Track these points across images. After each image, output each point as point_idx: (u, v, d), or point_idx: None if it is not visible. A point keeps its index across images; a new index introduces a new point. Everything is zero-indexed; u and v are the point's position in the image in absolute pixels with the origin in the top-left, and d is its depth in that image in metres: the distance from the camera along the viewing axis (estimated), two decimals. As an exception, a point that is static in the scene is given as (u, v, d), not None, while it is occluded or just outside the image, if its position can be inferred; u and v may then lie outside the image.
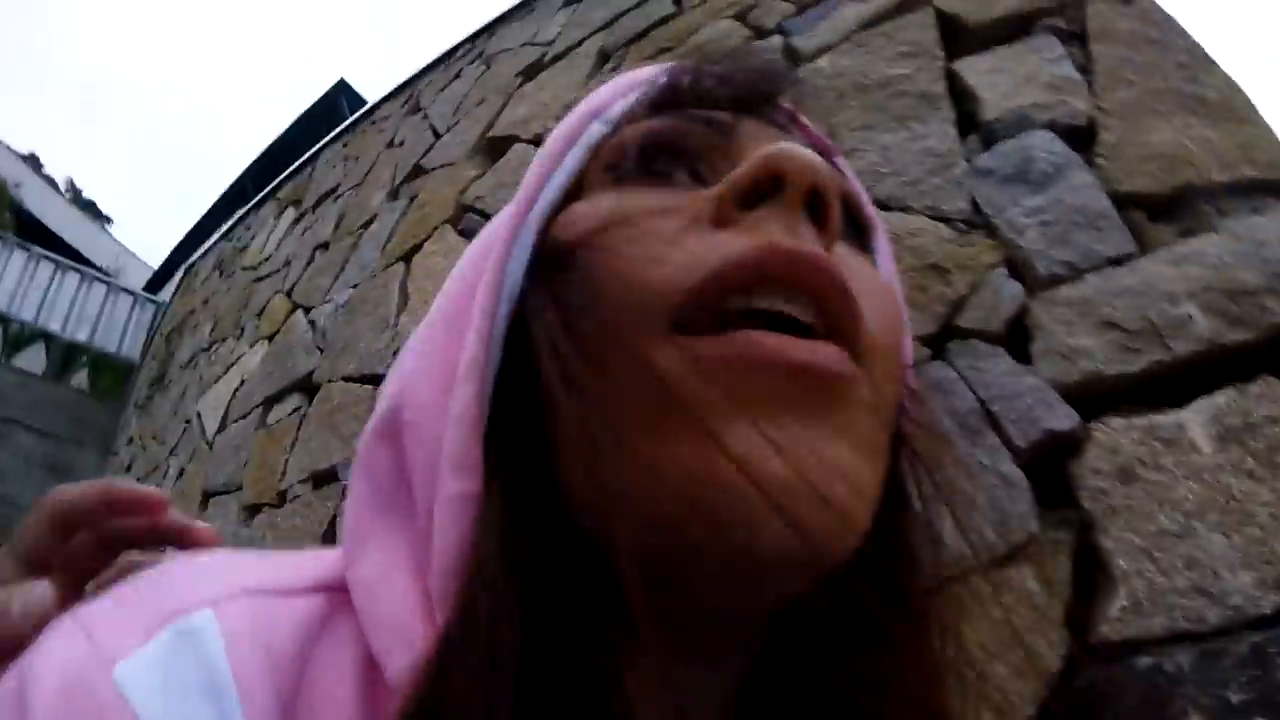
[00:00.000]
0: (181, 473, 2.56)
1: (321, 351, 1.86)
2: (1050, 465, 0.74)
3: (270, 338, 2.26)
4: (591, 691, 0.16)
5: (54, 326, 4.24)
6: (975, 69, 0.99)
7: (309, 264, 2.37)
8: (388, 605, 0.18)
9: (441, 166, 1.85)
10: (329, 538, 1.43)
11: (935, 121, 0.94)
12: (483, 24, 2.30)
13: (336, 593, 0.19)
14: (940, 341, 0.81)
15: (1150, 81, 0.88)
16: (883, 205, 0.90)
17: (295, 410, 1.84)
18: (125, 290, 4.79)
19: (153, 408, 3.51)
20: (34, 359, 4.23)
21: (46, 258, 4.36)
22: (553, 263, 0.20)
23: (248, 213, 3.54)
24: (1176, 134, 0.84)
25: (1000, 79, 0.96)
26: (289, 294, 2.35)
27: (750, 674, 0.20)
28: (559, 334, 0.18)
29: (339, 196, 2.54)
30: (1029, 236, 0.82)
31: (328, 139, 2.99)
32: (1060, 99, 0.90)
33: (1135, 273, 0.78)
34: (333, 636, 0.18)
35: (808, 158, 0.18)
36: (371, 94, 3.67)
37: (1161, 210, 0.83)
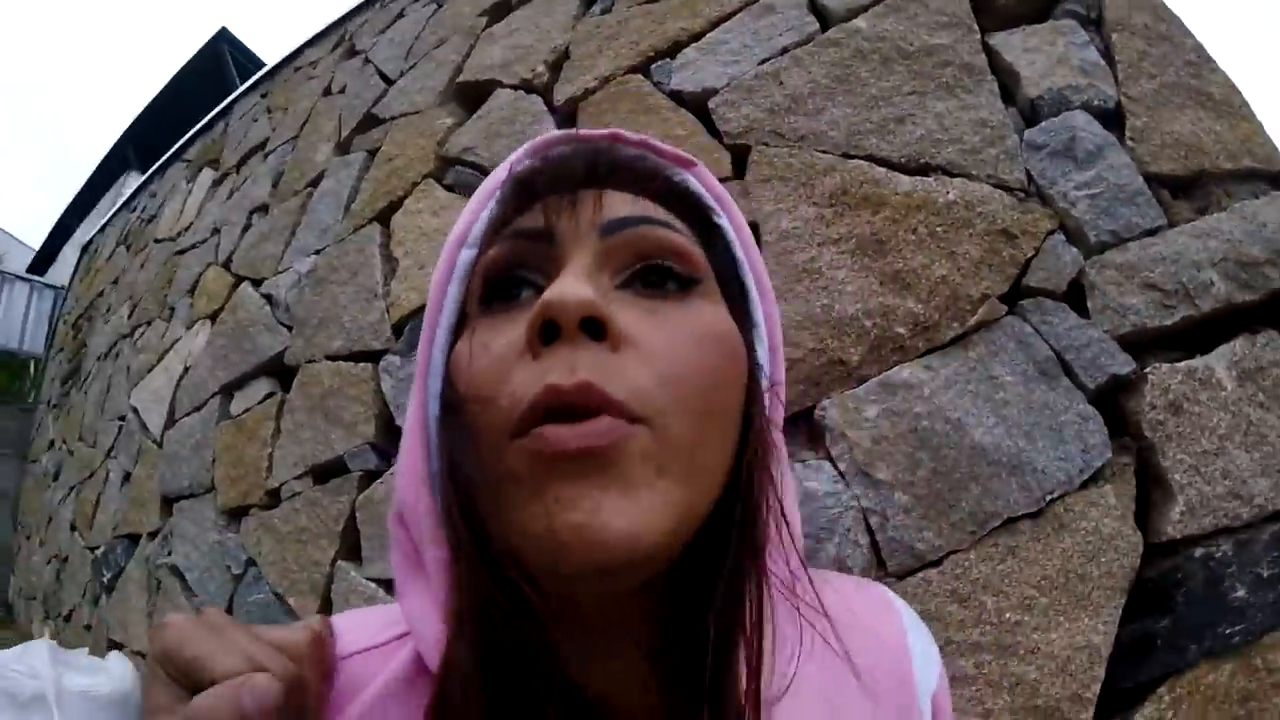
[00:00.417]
0: (127, 477, 2.27)
1: (290, 329, 1.66)
2: (1112, 402, 0.88)
3: (213, 317, 2.02)
4: (544, 667, 0.27)
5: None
6: (1011, 45, 1.09)
7: (245, 230, 2.13)
8: (425, 631, 0.29)
9: (403, 115, 1.69)
10: (348, 535, 1.32)
11: (982, 93, 1.04)
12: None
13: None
14: (1012, 298, 0.92)
15: (1165, 75, 1.03)
16: (946, 171, 0.99)
17: (268, 397, 1.65)
18: (19, 277, 4.08)
19: (70, 406, 3.06)
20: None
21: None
22: (452, 403, 0.30)
23: (150, 178, 3.11)
24: (1191, 125, 1.00)
25: (1036, 58, 1.07)
26: (226, 266, 2.10)
27: (663, 619, 0.29)
28: (459, 452, 0.29)
29: (270, 152, 2.28)
30: (1080, 208, 0.95)
31: (242, 89, 2.68)
32: (1090, 82, 1.03)
33: (1166, 243, 0.93)
34: (405, 667, 0.31)
35: (570, 298, 0.26)
36: (255, 42, 3.34)
37: (1181, 190, 0.98)
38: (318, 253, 1.66)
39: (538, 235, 0.30)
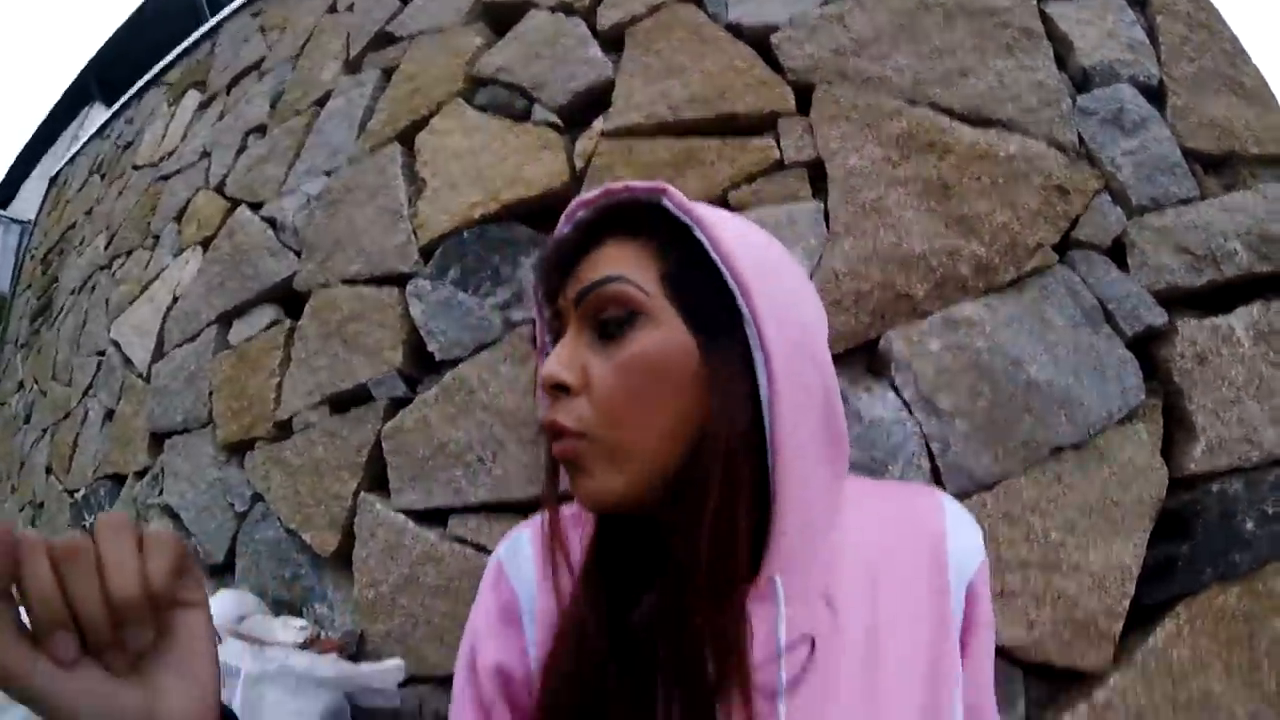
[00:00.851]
0: (110, 414, 2.10)
1: (298, 253, 1.56)
2: (1145, 350, 0.95)
3: (204, 243, 1.88)
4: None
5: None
6: (1065, 15, 1.13)
7: (240, 152, 1.99)
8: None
9: (423, 33, 1.59)
10: (372, 466, 1.27)
11: (1039, 57, 1.08)
12: None
13: None
14: (1063, 249, 0.97)
15: (1203, 60, 1.10)
16: (1006, 127, 1.02)
17: (273, 324, 1.56)
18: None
19: (41, 344, 2.81)
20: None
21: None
22: None
23: (126, 104, 2.88)
24: (1225, 110, 1.07)
25: (1088, 30, 1.12)
26: (220, 190, 1.97)
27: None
28: None
29: (266, 72, 2.13)
30: (1125, 173, 1.01)
31: (231, 8, 2.49)
32: (1136, 59, 1.08)
33: (1198, 213, 1.00)
34: (577, 525, 0.49)
35: (544, 376, 0.43)
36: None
37: (1213, 167, 1.05)
38: (328, 174, 1.57)
39: (556, 315, 0.48)
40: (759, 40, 1.11)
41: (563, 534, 0.49)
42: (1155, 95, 1.08)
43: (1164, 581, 0.87)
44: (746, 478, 0.43)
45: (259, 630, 1.17)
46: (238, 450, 1.56)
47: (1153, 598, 0.87)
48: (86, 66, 5.69)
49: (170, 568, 0.32)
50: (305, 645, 1.15)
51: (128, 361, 2.08)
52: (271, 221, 1.65)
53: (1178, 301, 0.97)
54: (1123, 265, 0.97)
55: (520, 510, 1.11)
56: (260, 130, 1.91)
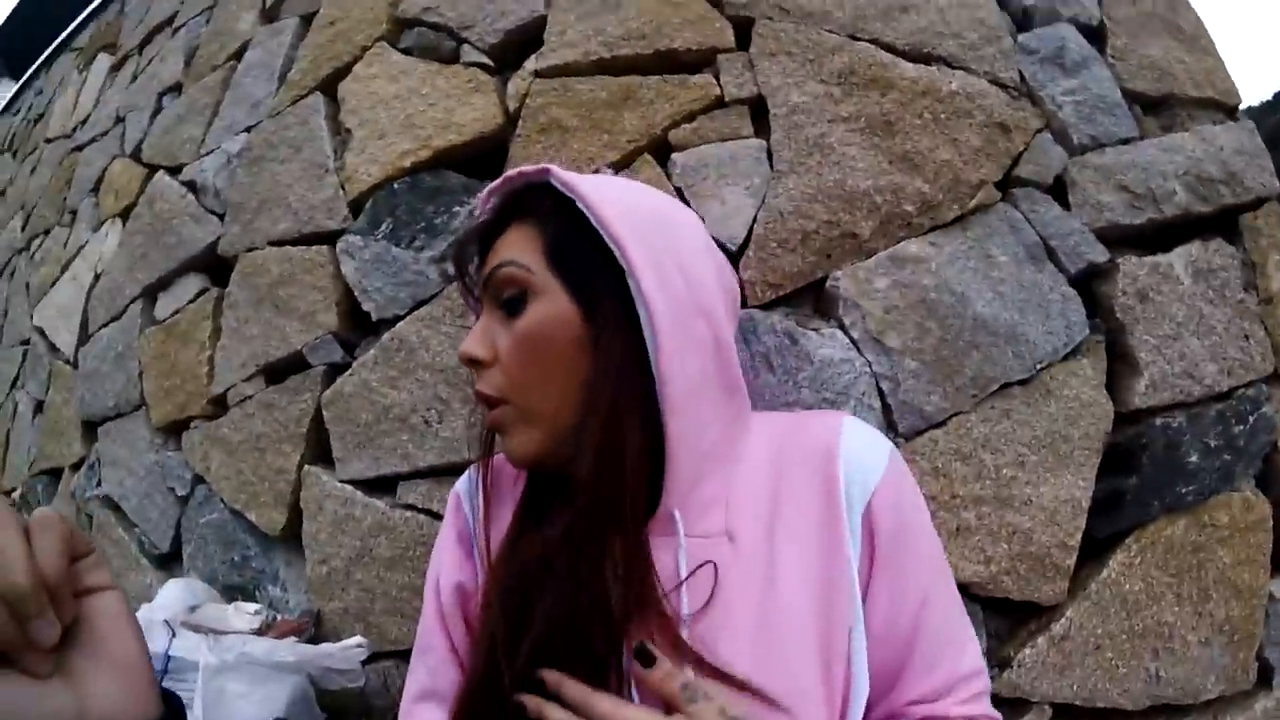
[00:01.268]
0: (40, 406, 1.96)
1: (221, 216, 1.45)
2: (1088, 287, 0.95)
3: (124, 214, 1.75)
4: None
5: None
6: None
7: (156, 114, 1.86)
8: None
9: None
10: (314, 437, 1.20)
11: None
12: None
13: None
14: (1006, 186, 0.96)
15: (1143, 3, 1.10)
16: (947, 63, 1.00)
17: (200, 294, 1.45)
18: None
19: None
20: None
21: None
22: None
23: (35, 74, 2.68)
24: (1163, 52, 1.07)
25: (1031, -29, 1.10)
26: (136, 156, 1.84)
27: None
28: None
29: (180, 28, 1.99)
30: (1065, 111, 1.00)
31: None
32: (1078, 1, 1.08)
33: (1138, 152, 1.00)
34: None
35: (461, 352, 0.51)
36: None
37: (1151, 108, 1.06)
38: (249, 130, 1.46)
39: (476, 296, 0.56)
40: (696, -27, 1.07)
41: (492, 485, 0.57)
42: (1096, 36, 1.08)
43: (1113, 514, 0.88)
44: (634, 421, 0.47)
45: (212, 619, 1.11)
46: (174, 431, 1.47)
47: (1103, 531, 0.88)
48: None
49: (58, 548, 0.29)
50: (261, 630, 1.11)
51: (53, 348, 1.95)
52: (192, 185, 1.54)
53: (1118, 240, 0.97)
54: (1064, 203, 0.97)
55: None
56: (176, 89, 1.79)
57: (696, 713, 0.41)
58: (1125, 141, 1.01)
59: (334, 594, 1.14)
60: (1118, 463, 0.88)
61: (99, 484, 1.62)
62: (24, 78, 2.99)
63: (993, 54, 1.02)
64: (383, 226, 1.11)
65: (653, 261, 0.47)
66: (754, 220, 0.92)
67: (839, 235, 0.91)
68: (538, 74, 1.04)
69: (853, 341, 0.87)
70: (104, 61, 2.34)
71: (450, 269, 1.05)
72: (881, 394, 0.86)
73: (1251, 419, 0.93)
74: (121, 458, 1.58)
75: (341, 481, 1.15)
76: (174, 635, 1.02)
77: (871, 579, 0.48)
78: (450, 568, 0.56)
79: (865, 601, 0.48)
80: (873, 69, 0.98)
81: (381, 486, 1.13)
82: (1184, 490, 0.88)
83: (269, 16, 1.61)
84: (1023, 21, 1.08)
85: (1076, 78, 1.03)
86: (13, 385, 2.22)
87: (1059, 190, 0.98)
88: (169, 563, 1.44)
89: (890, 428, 0.86)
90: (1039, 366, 0.88)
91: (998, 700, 0.58)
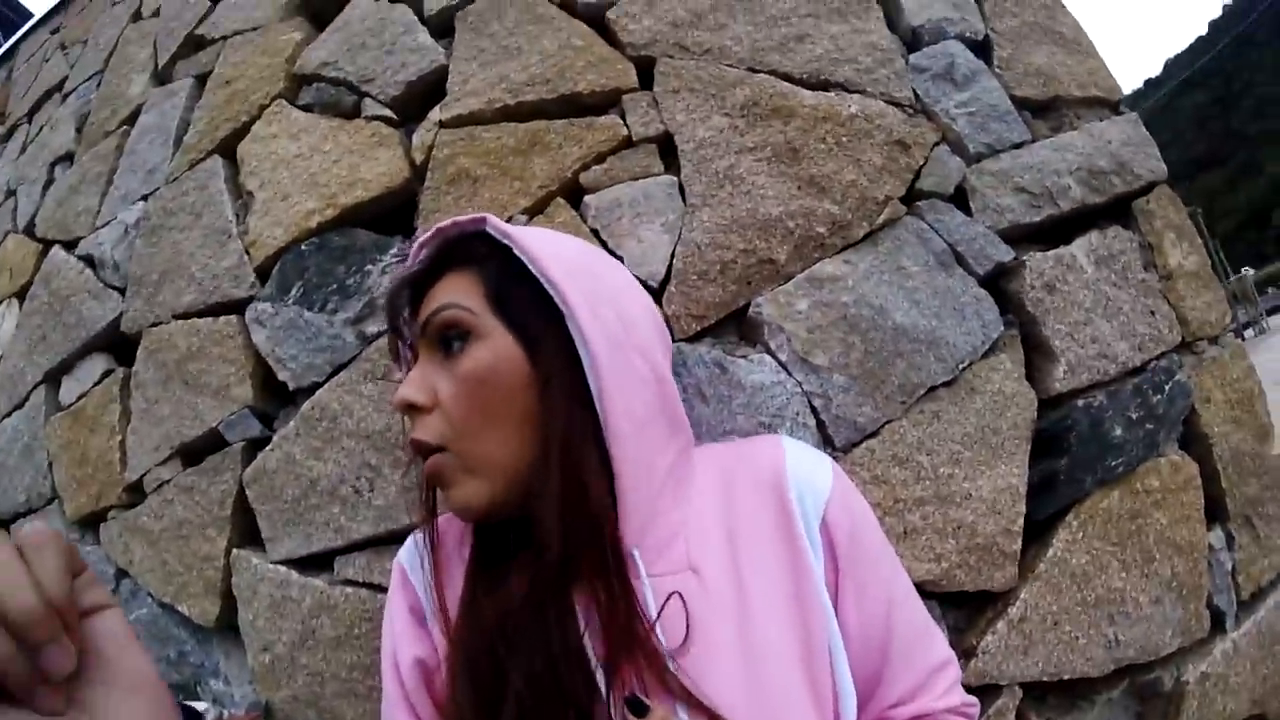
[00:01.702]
0: None
1: (121, 291, 1.38)
2: (997, 286, 0.98)
3: (20, 294, 1.65)
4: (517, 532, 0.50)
5: None
6: None
7: (48, 186, 1.77)
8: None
9: (237, 33, 1.45)
10: (239, 518, 1.13)
11: (870, 19, 1.10)
12: None
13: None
14: (910, 200, 1.00)
15: (1024, 15, 1.17)
16: (845, 88, 1.04)
17: (105, 375, 1.37)
18: None
19: None
20: None
21: None
22: None
23: None
24: (1047, 58, 1.14)
25: (913, -9, 1.16)
26: (30, 232, 1.74)
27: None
28: None
29: (69, 93, 1.92)
30: (960, 123, 1.05)
31: (28, 27, 2.24)
32: (962, 16, 1.13)
33: (1031, 155, 1.05)
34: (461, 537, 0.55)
35: (397, 399, 0.49)
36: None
37: (1040, 112, 1.12)
38: (146, 198, 1.40)
39: (411, 347, 0.55)
40: (595, 17, 1.08)
41: (443, 544, 0.55)
42: (982, 49, 1.13)
43: (1050, 496, 0.90)
44: (591, 462, 0.46)
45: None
46: (91, 524, 1.36)
47: (1042, 512, 0.90)
48: None
49: (60, 565, 0.27)
50: (211, 731, 1.03)
51: (-46, 444, 1.79)
52: (89, 259, 1.46)
53: (1021, 238, 1.01)
54: (966, 210, 1.00)
55: (408, 537, 1.01)
56: (68, 159, 1.70)
57: None
58: (1018, 146, 1.06)
59: (280, 682, 1.07)
60: (1047, 446, 0.91)
61: (13, 588, 1.48)
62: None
63: (886, 75, 1.06)
64: (293, 291, 1.07)
65: (589, 303, 0.49)
66: (672, 255, 0.92)
67: (756, 262, 0.92)
68: (443, 124, 1.03)
69: (781, 364, 0.88)
70: (-9, 130, 2.21)
71: (368, 330, 1.02)
72: (815, 411, 0.86)
73: (1167, 388, 0.98)
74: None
75: (274, 563, 1.09)
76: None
77: (839, 590, 0.49)
78: (406, 643, 0.53)
79: (836, 613, 0.48)
80: (774, 99, 1.00)
81: (317, 564, 1.07)
82: (1113, 463, 0.91)
83: (162, 78, 1.55)
84: (912, 42, 1.12)
85: (968, 90, 1.08)
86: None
87: (960, 198, 1.02)
88: (97, 670, 1.32)
89: (827, 443, 0.86)
90: (961, 367, 0.90)
91: (967, 689, 0.60)
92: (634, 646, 0.43)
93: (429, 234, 0.54)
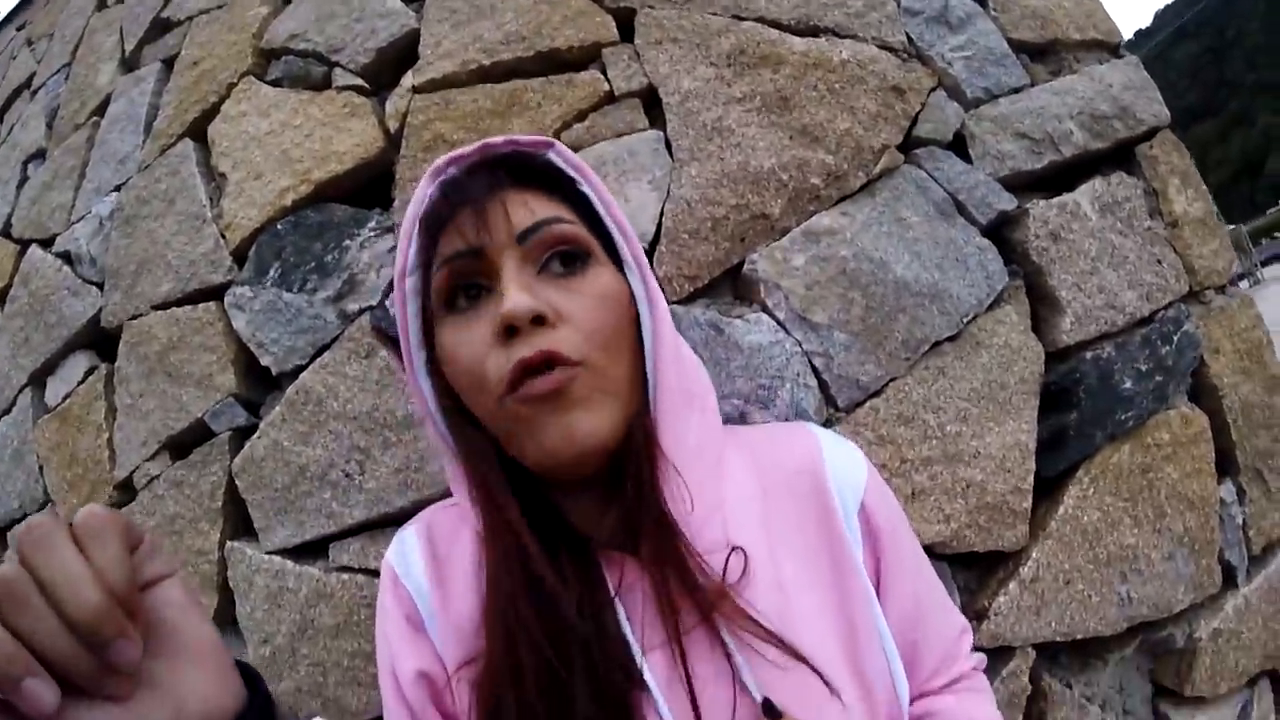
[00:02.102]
0: None
1: (100, 287, 1.34)
2: (1000, 235, 0.95)
3: (1, 297, 1.61)
4: (553, 516, 0.45)
5: None
6: None
7: (22, 184, 1.72)
8: (467, 506, 0.47)
9: (202, 12, 1.40)
10: (231, 509, 1.10)
11: None
12: None
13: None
14: (907, 148, 0.96)
15: (1022, -43, 1.12)
16: (835, 33, 1.00)
17: (89, 373, 1.33)
18: None
19: None
20: None
21: None
22: (451, 381, 0.46)
23: None
24: (1044, 0, 1.09)
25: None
26: (6, 233, 1.69)
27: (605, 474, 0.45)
28: (470, 408, 0.46)
29: (38, 88, 1.86)
30: (956, 68, 1.01)
31: None
32: (959, -42, 1.09)
33: (1031, 99, 1.01)
34: (465, 522, 0.49)
35: (520, 309, 0.40)
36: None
37: (1038, 55, 1.07)
38: (119, 189, 1.35)
39: (467, 254, 0.43)
40: (574, -31, 1.03)
41: (430, 547, 0.51)
42: (980, -9, 1.09)
43: (1059, 452, 0.87)
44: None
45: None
46: None
47: (1052, 469, 0.87)
48: None
49: (120, 554, 0.26)
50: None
51: (-59, 453, 1.76)
52: (66, 256, 1.42)
53: (1024, 186, 0.98)
54: (966, 157, 0.97)
55: (403, 521, 0.97)
56: (41, 156, 1.65)
57: None
58: (1017, 90, 1.02)
59: (282, 673, 1.05)
60: (1056, 401, 0.88)
61: (9, 595, 1.46)
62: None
63: (878, 19, 1.01)
64: (271, 272, 1.03)
65: (639, 251, 0.48)
66: (661, 213, 0.89)
67: (749, 217, 0.88)
68: (416, 90, 0.98)
69: (779, 323, 0.84)
70: (-37, 134, 2.15)
71: (349, 308, 0.98)
72: (816, 371, 0.83)
73: (1176, 338, 0.94)
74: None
75: (268, 553, 1.06)
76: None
77: (880, 574, 0.49)
78: (406, 655, 0.47)
79: (878, 596, 0.48)
80: (761, 46, 0.96)
81: (311, 551, 1.04)
82: (1123, 416, 0.89)
83: (129, 65, 1.50)
84: (908, -17, 1.07)
85: (963, 34, 1.04)
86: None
87: (959, 145, 0.98)
88: (96, 669, 1.31)
89: (829, 403, 0.83)
90: (965, 320, 0.87)
91: (980, 651, 0.60)
92: (697, 589, 0.42)
93: (468, 150, 0.47)
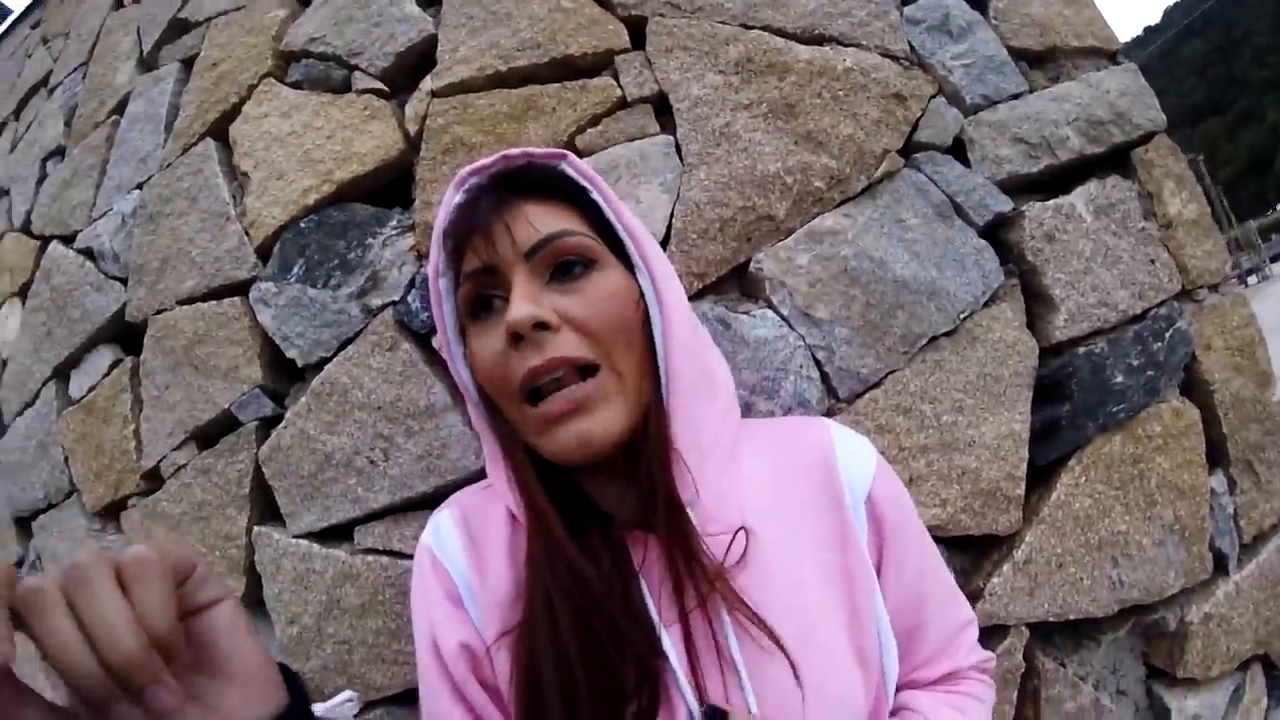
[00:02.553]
0: None
1: (123, 282, 1.37)
2: (996, 236, 0.98)
3: (22, 293, 1.64)
4: (580, 498, 0.50)
5: None
6: None
7: (41, 182, 1.76)
8: (502, 488, 0.52)
9: (221, 14, 1.43)
10: (258, 496, 1.15)
11: None
12: None
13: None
14: (908, 152, 0.99)
15: (1022, -34, 1.15)
16: (839, 42, 1.04)
17: (114, 366, 1.38)
18: None
19: None
20: None
21: None
22: (480, 382, 0.52)
23: None
24: (1043, 8, 1.12)
25: (909, -56, 1.14)
26: (26, 230, 1.74)
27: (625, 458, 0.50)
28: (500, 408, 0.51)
29: (55, 87, 1.90)
30: (956, 75, 1.04)
31: (8, 23, 2.21)
32: (961, -34, 1.12)
33: (1029, 105, 1.04)
34: (496, 504, 0.54)
35: (522, 317, 0.44)
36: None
37: (1037, 62, 1.11)
38: (141, 186, 1.39)
39: (483, 272, 0.48)
40: (584, -23, 1.07)
41: (468, 530, 0.54)
42: (977, 0, 1.12)
43: (1052, 441, 0.91)
44: (664, 410, 0.49)
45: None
46: (111, 514, 1.37)
47: (1045, 458, 0.91)
48: None
49: (164, 597, 0.27)
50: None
51: (-32, 446, 1.81)
52: (89, 252, 1.46)
53: (1020, 188, 1.01)
54: (965, 161, 1.00)
55: (426, 505, 1.03)
56: (59, 153, 1.70)
57: None
58: (1016, 96, 1.05)
59: (309, 653, 1.09)
60: (1049, 393, 0.92)
61: (40, 582, 1.51)
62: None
63: (881, 28, 1.05)
64: (295, 269, 1.07)
65: (655, 255, 0.52)
66: (671, 214, 0.93)
67: (756, 219, 0.92)
68: (435, 94, 1.02)
69: (783, 318, 0.88)
70: (-20, 129, 2.19)
71: (372, 303, 1.02)
72: (818, 364, 0.87)
73: (1168, 335, 0.98)
74: (61, 550, 1.48)
75: (295, 537, 1.10)
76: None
77: (882, 560, 0.52)
78: (448, 629, 0.49)
79: (879, 582, 0.52)
80: (768, 55, 0.99)
81: (337, 535, 1.08)
82: (1115, 409, 0.92)
83: (148, 65, 1.53)
84: (908, -6, 1.11)
85: (964, 42, 1.07)
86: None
87: (959, 150, 1.01)
88: (124, 653, 1.35)
89: (831, 394, 0.87)
90: (962, 316, 0.91)
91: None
92: (697, 572, 0.45)
93: (488, 161, 0.51)
